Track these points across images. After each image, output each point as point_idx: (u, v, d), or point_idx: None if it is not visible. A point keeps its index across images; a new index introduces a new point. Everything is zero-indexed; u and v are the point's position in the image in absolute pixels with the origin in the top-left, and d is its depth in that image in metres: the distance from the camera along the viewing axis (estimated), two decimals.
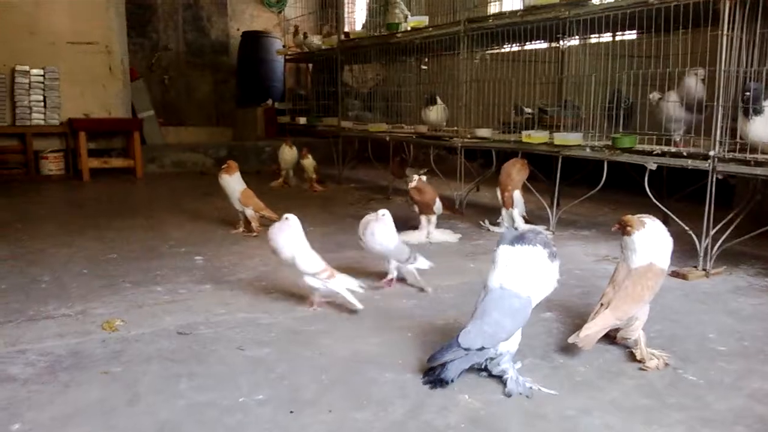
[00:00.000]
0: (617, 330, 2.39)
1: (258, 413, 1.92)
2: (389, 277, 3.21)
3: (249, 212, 4.36)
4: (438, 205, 4.33)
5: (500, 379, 2.10)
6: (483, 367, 2.14)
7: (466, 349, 2.05)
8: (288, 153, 6.70)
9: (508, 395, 2.03)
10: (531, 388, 2.06)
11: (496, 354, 2.10)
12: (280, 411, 1.93)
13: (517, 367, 2.15)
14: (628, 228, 2.37)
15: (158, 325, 2.65)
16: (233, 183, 4.42)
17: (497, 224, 4.51)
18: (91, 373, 2.20)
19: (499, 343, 2.08)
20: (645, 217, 2.41)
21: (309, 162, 6.50)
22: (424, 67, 6.35)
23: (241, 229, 4.42)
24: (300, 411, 1.93)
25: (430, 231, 4.27)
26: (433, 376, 2.10)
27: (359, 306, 2.80)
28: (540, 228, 4.43)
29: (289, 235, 2.90)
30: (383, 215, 3.10)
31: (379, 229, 3.09)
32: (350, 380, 2.14)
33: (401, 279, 3.24)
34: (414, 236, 4.16)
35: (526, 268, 2.11)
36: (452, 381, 2.08)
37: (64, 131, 7.41)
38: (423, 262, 3.22)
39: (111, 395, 2.04)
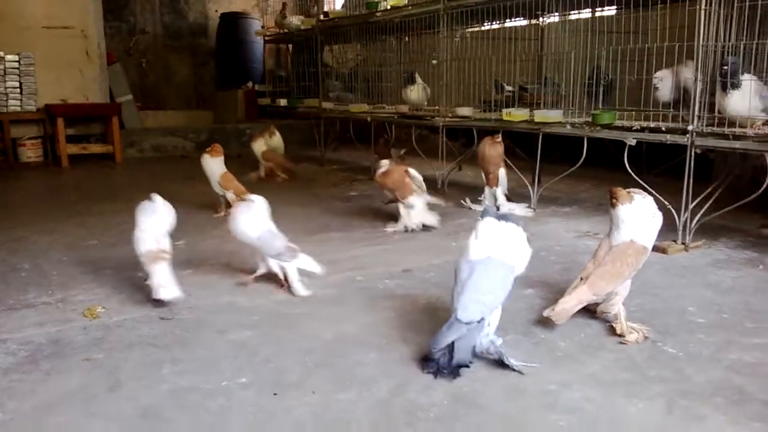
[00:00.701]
0: (597, 304, 2.42)
1: (241, 396, 1.92)
2: (257, 273, 2.91)
3: (230, 195, 4.33)
4: (412, 188, 3.90)
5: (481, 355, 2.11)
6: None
7: (467, 323, 2.00)
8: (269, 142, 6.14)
9: (505, 367, 2.04)
10: (517, 364, 2.07)
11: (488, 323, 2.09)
12: (264, 394, 1.93)
13: (499, 342, 2.16)
14: (614, 200, 2.37)
15: (139, 311, 2.63)
16: (214, 165, 4.38)
17: (479, 202, 4.53)
18: (73, 360, 2.18)
19: (493, 311, 2.07)
20: (636, 192, 2.40)
21: (277, 139, 6.14)
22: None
23: (222, 213, 4.39)
24: (284, 393, 1.93)
25: (407, 222, 3.89)
26: (446, 365, 2.02)
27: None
28: (521, 206, 4.47)
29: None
30: (252, 201, 2.88)
31: (242, 215, 2.85)
32: (334, 362, 2.15)
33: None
34: (391, 229, 3.94)
35: (509, 242, 2.12)
36: (471, 363, 2.05)
37: (41, 117, 7.32)
38: (309, 264, 2.85)
39: (92, 382, 2.03)
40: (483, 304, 2.04)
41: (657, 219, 2.38)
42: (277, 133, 6.23)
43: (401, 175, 3.87)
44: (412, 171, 3.95)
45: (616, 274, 2.31)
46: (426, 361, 2.08)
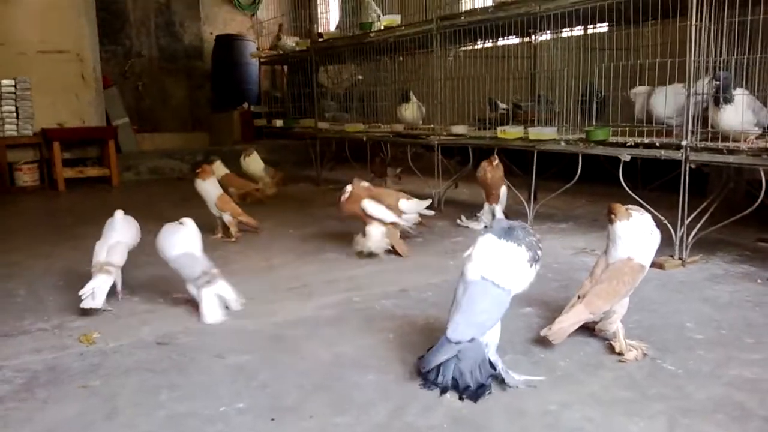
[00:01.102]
0: (596, 322, 2.41)
1: (239, 422, 1.90)
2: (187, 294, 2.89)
3: (227, 217, 4.33)
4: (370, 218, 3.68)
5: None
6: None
7: (456, 343, 2.01)
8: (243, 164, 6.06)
9: (506, 388, 2.03)
10: (521, 379, 2.07)
11: (485, 344, 2.08)
12: (261, 419, 1.92)
13: (499, 363, 2.15)
14: (612, 216, 2.36)
15: (136, 335, 2.62)
16: (209, 188, 4.38)
17: (476, 218, 4.52)
18: (69, 387, 2.16)
19: (486, 332, 2.06)
20: (634, 208, 2.39)
21: (253, 160, 5.98)
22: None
23: (219, 235, 4.38)
24: (281, 418, 1.92)
25: (368, 244, 3.72)
26: (437, 381, 2.05)
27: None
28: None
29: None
30: (182, 223, 2.92)
31: (162, 234, 2.90)
32: (332, 385, 2.13)
33: None
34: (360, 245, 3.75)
35: (505, 263, 2.10)
36: (488, 382, 2.03)
37: (37, 142, 7.32)
38: (225, 291, 2.82)
39: (89, 410, 2.01)
40: (474, 325, 2.03)
41: (655, 236, 2.37)
42: (254, 155, 6.11)
43: (356, 206, 3.71)
44: (371, 206, 3.71)
45: (612, 293, 2.31)
46: (423, 378, 2.09)
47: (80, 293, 2.82)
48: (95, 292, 2.83)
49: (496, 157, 4.43)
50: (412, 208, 3.94)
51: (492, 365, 2.07)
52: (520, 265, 2.10)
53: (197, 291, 2.80)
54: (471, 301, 2.07)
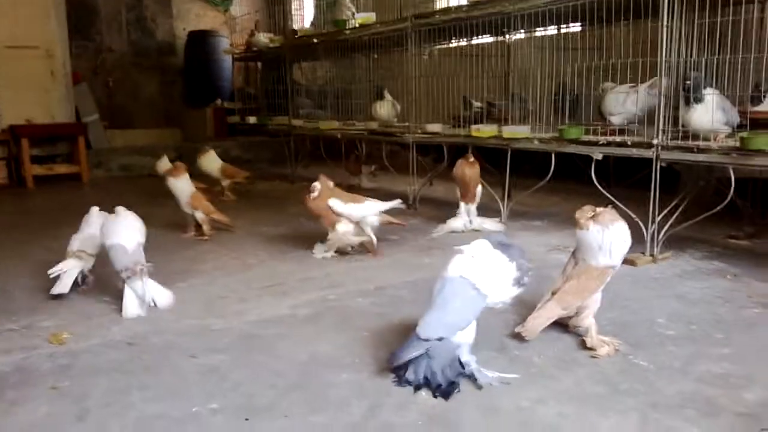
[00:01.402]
0: (570, 318, 2.43)
1: (211, 423, 1.89)
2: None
3: (199, 215, 4.28)
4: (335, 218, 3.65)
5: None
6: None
7: (425, 340, 2.02)
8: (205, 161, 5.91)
9: (480, 388, 2.03)
10: (494, 376, 2.08)
11: (457, 345, 2.09)
12: (235, 419, 1.90)
13: (473, 361, 2.16)
14: (580, 222, 2.37)
15: (107, 335, 2.58)
16: (181, 185, 4.32)
17: (456, 216, 4.50)
18: (39, 389, 2.13)
19: (457, 332, 2.07)
20: (605, 213, 2.36)
21: (207, 159, 5.84)
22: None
23: (192, 233, 4.34)
24: (256, 418, 1.90)
25: (325, 251, 3.77)
26: (408, 378, 2.05)
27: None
28: (492, 220, 4.46)
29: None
30: (121, 213, 3.00)
31: (103, 223, 3.01)
32: (307, 384, 2.12)
33: None
34: (320, 255, 3.78)
35: (490, 270, 2.11)
36: (456, 382, 2.04)
37: (5, 138, 7.17)
38: (157, 292, 2.86)
39: (59, 411, 1.98)
40: (446, 324, 2.04)
41: (625, 240, 2.37)
42: (210, 153, 5.97)
43: (324, 203, 3.68)
44: (337, 204, 3.69)
45: (583, 289, 2.33)
46: (395, 374, 2.11)
47: (49, 272, 2.97)
48: (62, 276, 2.97)
49: (471, 155, 4.44)
50: (368, 210, 3.75)
51: (462, 365, 2.07)
52: (505, 279, 2.12)
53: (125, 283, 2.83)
54: (445, 299, 2.08)
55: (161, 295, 2.88)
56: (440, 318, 2.05)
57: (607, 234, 2.32)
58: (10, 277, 3.47)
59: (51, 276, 2.96)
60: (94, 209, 3.26)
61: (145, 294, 2.81)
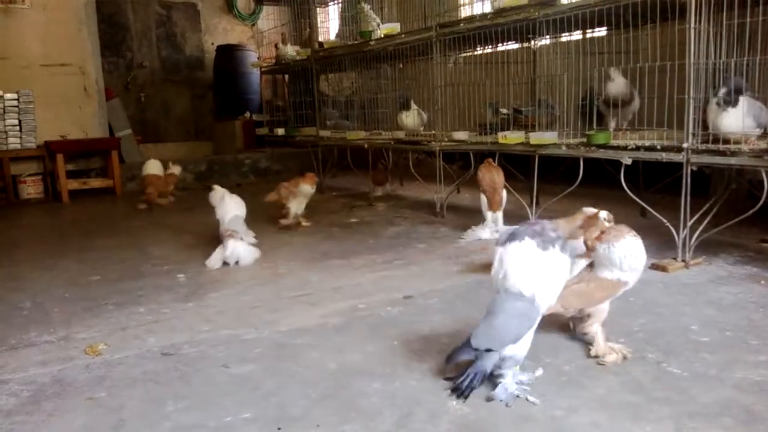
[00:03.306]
0: (575, 322, 2.43)
1: None
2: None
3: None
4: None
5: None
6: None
7: (475, 349, 2.03)
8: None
9: (489, 399, 2.02)
10: (518, 396, 2.04)
11: (502, 357, 2.06)
12: (268, 428, 1.92)
13: (522, 377, 2.12)
14: (587, 244, 2.34)
15: (142, 346, 2.63)
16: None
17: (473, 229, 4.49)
18: (75, 400, 2.17)
19: (506, 346, 2.04)
20: (611, 230, 2.32)
21: (150, 164, 6.57)
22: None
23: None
24: (288, 428, 1.92)
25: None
26: (460, 385, 2.06)
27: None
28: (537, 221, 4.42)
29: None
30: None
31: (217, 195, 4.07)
32: (338, 393, 2.14)
33: None
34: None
35: (520, 266, 2.07)
36: (470, 390, 2.05)
37: (41, 154, 7.36)
38: (240, 252, 3.90)
39: (95, 422, 2.01)
40: (491, 336, 2.03)
41: (634, 254, 2.28)
42: (153, 161, 6.51)
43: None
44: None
45: (588, 296, 2.29)
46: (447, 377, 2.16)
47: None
48: (214, 253, 3.86)
49: (492, 159, 4.43)
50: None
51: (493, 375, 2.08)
52: (535, 257, 2.07)
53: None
54: (492, 312, 2.08)
55: (247, 256, 3.86)
56: (487, 330, 2.05)
57: (614, 251, 2.26)
58: (46, 290, 3.55)
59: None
60: (219, 189, 4.25)
61: (231, 254, 3.81)
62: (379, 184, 6.47)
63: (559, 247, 2.10)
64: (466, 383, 2.04)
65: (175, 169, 6.73)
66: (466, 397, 2.02)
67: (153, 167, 6.56)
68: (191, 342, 2.65)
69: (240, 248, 3.84)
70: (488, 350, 2.04)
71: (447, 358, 2.14)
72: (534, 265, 2.07)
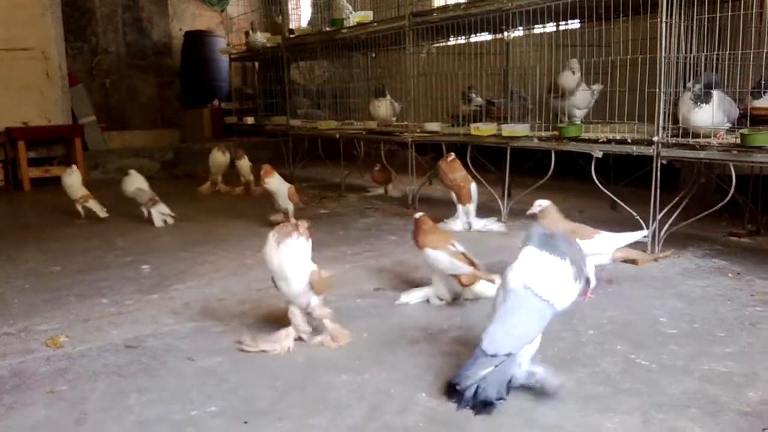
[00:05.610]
0: None
1: (211, 426, 1.86)
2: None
3: (291, 208, 4.68)
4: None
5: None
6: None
7: (492, 356, 1.88)
8: (219, 158, 6.41)
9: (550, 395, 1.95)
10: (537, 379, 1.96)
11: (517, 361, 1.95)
12: (234, 422, 1.88)
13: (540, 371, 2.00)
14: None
15: (105, 339, 2.56)
16: (277, 183, 4.69)
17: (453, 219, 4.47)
18: (36, 393, 2.11)
19: (525, 346, 1.94)
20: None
21: (244, 163, 6.23)
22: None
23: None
24: (254, 421, 1.88)
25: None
26: (469, 400, 1.90)
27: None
28: (492, 220, 4.42)
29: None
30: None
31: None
32: (306, 386, 2.10)
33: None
34: None
35: (550, 276, 1.98)
36: (503, 399, 1.91)
37: (1, 141, 7.14)
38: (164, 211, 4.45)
39: (57, 415, 1.95)
40: (513, 337, 1.91)
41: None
42: (245, 159, 6.26)
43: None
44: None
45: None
46: (451, 391, 1.97)
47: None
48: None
49: (452, 153, 4.39)
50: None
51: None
52: (565, 279, 1.98)
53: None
54: (509, 311, 1.94)
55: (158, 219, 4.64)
56: (506, 331, 1.91)
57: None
58: (6, 281, 3.45)
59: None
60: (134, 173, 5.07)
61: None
62: (381, 184, 6.25)
63: (578, 284, 2.02)
64: (479, 396, 1.88)
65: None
66: (487, 411, 1.87)
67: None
68: (156, 334, 2.59)
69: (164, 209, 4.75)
70: (508, 354, 1.89)
71: (459, 379, 1.91)
72: (560, 283, 1.99)
